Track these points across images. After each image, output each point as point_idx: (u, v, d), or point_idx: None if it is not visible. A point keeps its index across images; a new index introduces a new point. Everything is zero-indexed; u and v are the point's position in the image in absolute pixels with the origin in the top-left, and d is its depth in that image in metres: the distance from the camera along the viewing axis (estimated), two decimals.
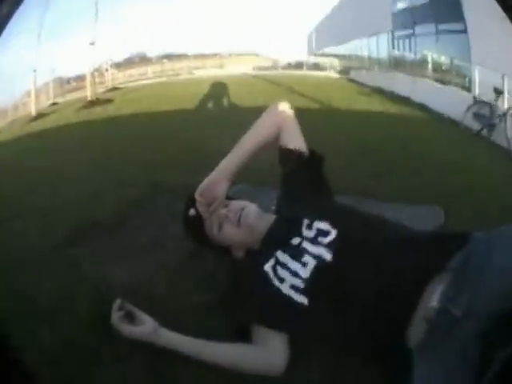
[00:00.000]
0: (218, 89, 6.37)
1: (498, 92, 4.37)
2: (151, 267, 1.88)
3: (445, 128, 4.74)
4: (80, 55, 5.88)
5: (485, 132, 4.51)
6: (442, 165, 3.10)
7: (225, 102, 6.02)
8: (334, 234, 1.27)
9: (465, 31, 5.23)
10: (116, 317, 1.29)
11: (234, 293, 1.55)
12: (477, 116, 4.63)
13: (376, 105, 5.55)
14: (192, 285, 1.71)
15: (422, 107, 5.34)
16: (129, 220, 2.39)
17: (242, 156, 1.55)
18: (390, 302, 1.10)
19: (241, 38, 7.02)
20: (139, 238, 2.17)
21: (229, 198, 1.58)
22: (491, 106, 4.47)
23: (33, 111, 5.58)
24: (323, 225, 1.31)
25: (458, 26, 5.38)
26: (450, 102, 5.21)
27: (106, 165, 3.30)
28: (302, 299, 1.22)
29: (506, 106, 4.28)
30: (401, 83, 6.19)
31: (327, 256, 1.23)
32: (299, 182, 1.60)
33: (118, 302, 1.32)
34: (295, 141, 1.62)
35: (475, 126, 4.61)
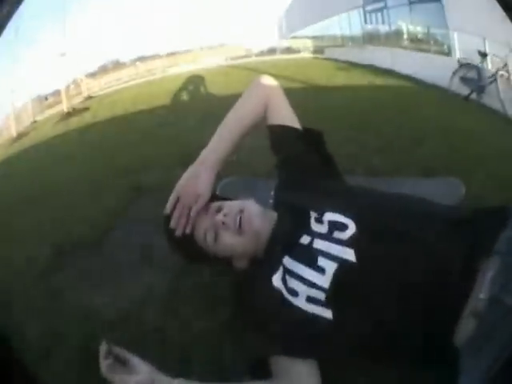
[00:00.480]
0: (194, 82, 6.22)
1: (483, 55, 4.32)
2: (139, 291, 1.71)
3: (433, 95, 4.67)
4: (52, 69, 5.72)
5: (474, 95, 4.44)
6: (442, 132, 3.04)
7: (202, 94, 5.88)
8: (352, 226, 1.04)
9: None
10: (104, 365, 1.02)
11: (242, 316, 1.32)
12: (464, 80, 4.56)
13: (357, 78, 5.49)
14: (190, 309, 1.53)
15: (406, 77, 5.29)
16: (112, 233, 2.24)
17: (227, 141, 1.31)
18: (436, 299, 0.93)
19: (210, 31, 6.89)
20: (124, 255, 2.02)
21: (218, 197, 1.34)
22: (478, 69, 4.41)
23: (13, 132, 5.41)
24: (337, 216, 1.08)
25: None
26: (432, 69, 5.16)
27: (85, 175, 3.14)
28: (325, 313, 1.00)
29: (492, 68, 4.24)
30: (378, 56, 6.13)
31: (350, 255, 1.00)
32: (299, 165, 1.35)
33: (103, 347, 1.05)
34: (286, 117, 1.39)
35: (463, 90, 4.55)
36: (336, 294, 1.00)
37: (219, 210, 1.25)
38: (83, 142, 4.37)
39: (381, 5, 6.57)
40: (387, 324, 0.97)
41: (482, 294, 0.87)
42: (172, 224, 1.25)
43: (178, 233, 1.24)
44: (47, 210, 2.69)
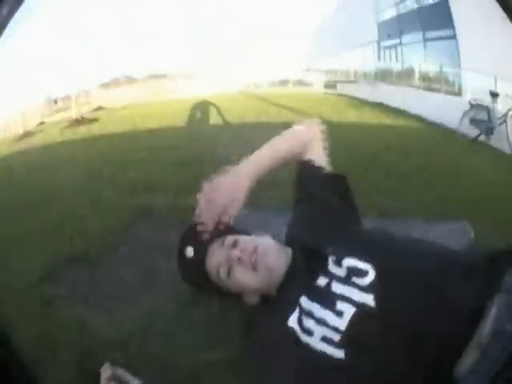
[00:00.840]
0: (205, 107, 6.26)
1: (495, 95, 4.33)
2: (139, 315, 1.71)
3: (442, 136, 4.68)
4: (66, 76, 5.92)
5: (482, 137, 4.46)
6: (450, 174, 3.08)
7: (213, 119, 5.88)
8: (372, 272, 1.01)
9: (454, 37, 5.25)
10: None
11: (251, 353, 1.23)
12: (474, 121, 4.57)
13: (368, 116, 5.50)
14: (195, 338, 1.53)
15: (416, 117, 5.31)
16: (113, 252, 2.24)
17: (266, 159, 1.25)
18: (447, 344, 0.91)
19: (225, 57, 7.04)
20: (125, 277, 2.01)
21: (233, 229, 1.25)
22: (489, 110, 4.41)
23: (20, 130, 5.56)
24: (357, 262, 1.05)
25: (446, 32, 5.40)
26: (443, 109, 5.19)
27: (90, 187, 3.15)
28: (337, 353, 0.96)
29: (503, 108, 4.25)
30: (390, 94, 6.19)
31: (369, 301, 0.98)
32: (321, 204, 1.31)
33: (107, 369, 1.01)
34: (319, 157, 1.37)
35: (472, 131, 4.56)
36: (351, 336, 0.97)
37: (235, 244, 1.18)
38: (89, 153, 4.37)
39: (396, 41, 6.74)
40: (398, 367, 0.94)
41: (486, 328, 0.87)
42: (199, 226, 1.18)
43: (208, 228, 1.19)
44: (45, 217, 2.68)
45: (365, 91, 6.62)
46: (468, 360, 0.88)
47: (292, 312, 1.06)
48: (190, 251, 1.22)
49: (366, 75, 7.02)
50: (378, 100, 6.19)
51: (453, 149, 4.11)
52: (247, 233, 1.28)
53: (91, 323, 1.63)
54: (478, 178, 3.02)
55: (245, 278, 1.15)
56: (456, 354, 0.89)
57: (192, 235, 1.20)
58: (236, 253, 1.14)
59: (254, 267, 1.13)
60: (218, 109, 6.04)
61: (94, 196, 2.90)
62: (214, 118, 5.85)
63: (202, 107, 6.23)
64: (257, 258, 1.14)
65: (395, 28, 6.56)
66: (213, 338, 1.50)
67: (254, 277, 1.14)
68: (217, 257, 1.18)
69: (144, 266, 2.03)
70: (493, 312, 0.88)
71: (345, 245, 1.13)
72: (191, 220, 1.15)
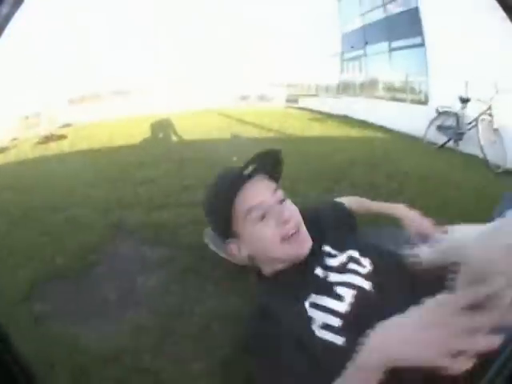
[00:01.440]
0: (167, 124, 6.28)
1: (465, 100, 4.21)
2: (126, 328, 1.66)
3: (408, 146, 4.67)
4: (35, 92, 6.13)
5: (450, 143, 4.40)
6: (416, 182, 3.09)
7: (177, 136, 5.89)
8: (369, 265, 1.08)
9: (422, 45, 5.20)
10: None
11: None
12: (442, 128, 4.50)
13: (332, 130, 5.45)
14: (181, 350, 1.49)
15: (380, 128, 5.29)
16: (91, 269, 2.18)
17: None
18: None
19: (188, 74, 7.22)
20: (106, 292, 1.94)
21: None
22: (458, 116, 4.32)
23: None
24: (357, 255, 1.10)
25: (414, 41, 5.36)
26: (409, 118, 5.10)
27: (63, 205, 3.06)
28: (337, 340, 0.94)
29: (474, 113, 4.10)
30: (354, 106, 6.21)
31: (367, 286, 1.03)
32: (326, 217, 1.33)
33: None
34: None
35: (439, 139, 4.51)
36: (352, 320, 0.97)
37: (283, 201, 1.11)
38: (61, 170, 4.33)
39: (360, 52, 6.72)
40: None
41: None
42: None
43: None
44: (24, 236, 2.59)
45: (328, 104, 6.63)
46: None
47: (308, 296, 1.04)
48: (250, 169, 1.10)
49: (328, 88, 7.05)
50: (342, 112, 6.17)
51: (419, 157, 4.04)
52: None
53: (81, 339, 1.59)
54: (445, 183, 3.02)
55: (270, 235, 1.07)
56: None
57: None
58: (286, 214, 1.07)
59: (288, 238, 1.07)
60: (183, 126, 6.08)
61: (69, 214, 2.86)
62: (177, 135, 5.90)
63: (165, 125, 6.27)
64: (295, 232, 1.08)
65: (360, 39, 6.55)
66: (199, 349, 1.49)
67: (279, 244, 1.08)
68: (260, 196, 1.09)
69: (123, 282, 1.99)
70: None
71: (346, 241, 1.17)
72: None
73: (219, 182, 1.17)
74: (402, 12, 5.73)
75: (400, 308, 0.88)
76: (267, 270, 1.15)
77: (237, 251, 1.13)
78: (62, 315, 1.80)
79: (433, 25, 4.89)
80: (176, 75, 7.14)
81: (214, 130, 5.47)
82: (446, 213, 2.35)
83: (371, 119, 5.59)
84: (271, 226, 1.07)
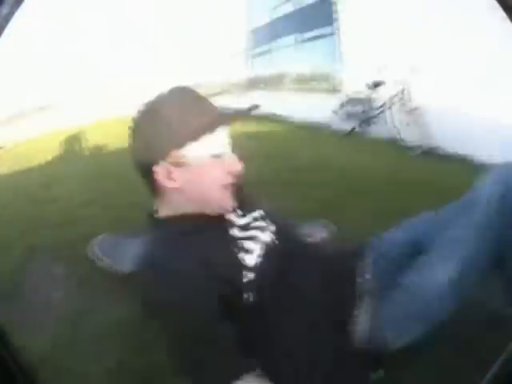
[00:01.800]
0: (80, 138, 6.15)
1: (376, 84, 4.09)
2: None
3: (311, 135, 4.60)
4: None
5: (358, 129, 4.34)
6: (315, 172, 3.06)
7: (83, 150, 5.80)
8: (273, 228, 1.10)
9: (333, 34, 5.11)
10: None
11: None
12: (350, 115, 4.43)
13: (238, 126, 5.26)
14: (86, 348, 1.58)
15: (283, 120, 5.32)
16: (18, 288, 2.18)
17: None
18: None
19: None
20: (31, 308, 1.98)
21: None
22: (367, 101, 4.26)
23: None
24: (259, 213, 1.12)
25: (325, 30, 5.26)
26: (317, 109, 4.98)
27: None
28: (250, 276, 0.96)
29: (388, 95, 4.03)
30: (260, 101, 6.02)
31: (273, 240, 1.06)
32: None
33: None
34: None
35: (345, 125, 4.41)
36: (262, 273, 0.98)
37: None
38: None
39: (269, 47, 6.65)
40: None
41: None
42: None
43: None
44: None
45: (234, 101, 6.47)
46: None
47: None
48: None
49: (234, 85, 6.96)
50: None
51: (322, 146, 3.95)
52: None
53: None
54: (350, 170, 2.99)
55: (218, 175, 1.00)
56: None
57: None
58: (238, 165, 1.02)
59: (227, 187, 1.03)
60: (87, 137, 6.07)
61: None
62: (85, 149, 5.80)
63: (78, 138, 6.13)
64: (232, 185, 1.05)
65: (269, 33, 6.46)
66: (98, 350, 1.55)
67: (218, 187, 1.01)
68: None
69: (48, 298, 2.03)
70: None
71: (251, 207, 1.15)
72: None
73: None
74: (312, 3, 5.62)
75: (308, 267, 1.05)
76: (169, 211, 1.03)
77: (164, 177, 0.94)
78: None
79: (347, 12, 4.81)
80: (83, 87, 7.31)
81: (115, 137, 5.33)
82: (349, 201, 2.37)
83: (279, 112, 5.51)
84: (221, 169, 1.00)
